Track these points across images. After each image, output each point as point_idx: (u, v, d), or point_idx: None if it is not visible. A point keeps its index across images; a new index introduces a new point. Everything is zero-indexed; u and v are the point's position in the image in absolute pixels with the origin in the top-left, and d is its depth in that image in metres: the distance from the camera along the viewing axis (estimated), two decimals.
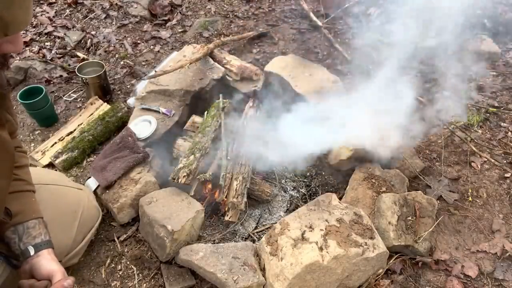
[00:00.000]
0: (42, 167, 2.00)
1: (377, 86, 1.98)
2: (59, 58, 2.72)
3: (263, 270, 1.53)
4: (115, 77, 2.59)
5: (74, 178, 1.97)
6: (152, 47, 2.85)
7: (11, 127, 1.11)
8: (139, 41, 2.89)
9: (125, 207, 1.75)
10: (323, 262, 1.42)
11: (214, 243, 1.67)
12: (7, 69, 0.95)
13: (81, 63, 2.39)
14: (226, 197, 1.80)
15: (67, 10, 3.10)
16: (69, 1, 3.12)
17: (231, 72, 2.41)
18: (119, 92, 2.50)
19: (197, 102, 2.28)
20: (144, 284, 1.61)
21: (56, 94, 2.47)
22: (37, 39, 2.85)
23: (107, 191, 1.78)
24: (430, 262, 1.67)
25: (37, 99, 2.06)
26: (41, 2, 3.15)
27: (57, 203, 1.37)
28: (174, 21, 3.08)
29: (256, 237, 1.83)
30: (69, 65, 2.65)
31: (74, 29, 2.94)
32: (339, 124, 1.93)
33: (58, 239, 1.18)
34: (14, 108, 1.24)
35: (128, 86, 2.54)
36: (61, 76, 2.58)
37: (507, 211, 1.84)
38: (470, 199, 1.90)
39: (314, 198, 1.78)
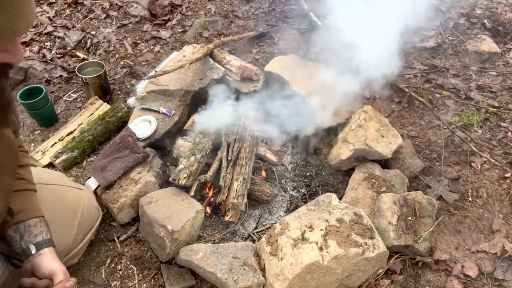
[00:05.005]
0: (42, 167, 2.00)
1: None
2: (59, 58, 2.72)
3: (263, 270, 1.53)
4: (115, 77, 2.59)
5: (74, 178, 1.98)
6: (152, 47, 2.85)
7: (14, 127, 1.13)
8: (139, 41, 2.89)
9: (125, 207, 1.75)
10: (323, 262, 1.42)
11: (214, 243, 1.67)
12: (6, 79, 0.86)
13: (81, 63, 2.39)
14: (226, 197, 1.80)
15: (67, 10, 3.10)
16: (69, 1, 3.11)
17: (231, 72, 2.41)
18: (119, 92, 2.50)
19: (197, 102, 2.28)
20: (144, 284, 1.61)
21: (56, 94, 2.47)
22: (37, 39, 2.85)
23: (107, 191, 1.78)
24: (430, 262, 1.67)
25: (37, 99, 2.06)
26: (41, 2, 3.14)
27: (57, 203, 1.37)
28: (174, 21, 3.08)
29: (256, 237, 1.83)
30: (69, 65, 2.65)
31: (74, 29, 2.93)
32: None
33: (58, 239, 1.18)
34: (17, 108, 1.25)
35: (128, 86, 2.53)
36: (61, 76, 2.58)
37: (507, 211, 1.85)
38: (470, 199, 1.90)
39: (314, 198, 1.78)
